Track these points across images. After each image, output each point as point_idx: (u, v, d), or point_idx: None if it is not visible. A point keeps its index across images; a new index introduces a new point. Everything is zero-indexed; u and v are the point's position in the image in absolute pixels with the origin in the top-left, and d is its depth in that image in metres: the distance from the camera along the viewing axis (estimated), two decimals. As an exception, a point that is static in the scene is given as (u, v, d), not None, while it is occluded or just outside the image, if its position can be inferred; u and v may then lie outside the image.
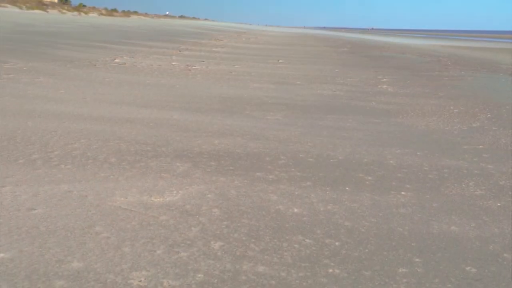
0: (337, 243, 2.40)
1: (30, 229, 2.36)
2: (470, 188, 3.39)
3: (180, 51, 15.15)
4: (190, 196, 2.92)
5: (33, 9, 42.27)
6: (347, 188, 3.25)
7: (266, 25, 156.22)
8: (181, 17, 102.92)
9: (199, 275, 2.03)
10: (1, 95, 5.84)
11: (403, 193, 3.21)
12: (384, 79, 10.15)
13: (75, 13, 47.61)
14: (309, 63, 13.56)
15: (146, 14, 76.88)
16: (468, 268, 2.23)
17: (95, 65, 9.73)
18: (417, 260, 2.28)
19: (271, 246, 2.34)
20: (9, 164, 3.32)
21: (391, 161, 3.96)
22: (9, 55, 9.90)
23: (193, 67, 10.50)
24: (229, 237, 2.41)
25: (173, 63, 11.11)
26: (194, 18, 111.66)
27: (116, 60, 10.83)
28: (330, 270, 2.14)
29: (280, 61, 13.65)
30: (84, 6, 60.35)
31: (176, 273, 2.04)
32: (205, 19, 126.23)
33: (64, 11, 47.02)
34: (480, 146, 4.67)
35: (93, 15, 49.83)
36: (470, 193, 3.30)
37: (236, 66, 11.45)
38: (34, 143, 3.87)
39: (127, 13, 65.72)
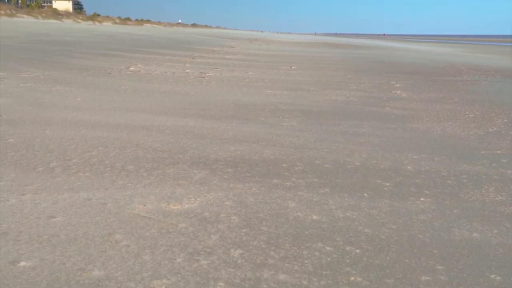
0: (357, 251, 2.38)
1: (51, 237, 2.38)
2: (490, 194, 3.35)
3: (193, 58, 15.22)
4: (208, 203, 2.92)
5: (48, 18, 42.89)
6: (365, 194, 3.22)
7: (277, 32, 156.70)
8: (193, 25, 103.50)
9: (220, 284, 2.02)
10: (19, 103, 5.91)
11: (422, 199, 3.18)
12: (398, 85, 10.10)
13: (90, 22, 48.18)
14: (321, 69, 13.53)
15: (159, 23, 77.54)
16: (492, 276, 2.19)
17: (110, 73, 9.81)
18: (440, 267, 2.25)
19: (291, 253, 2.32)
20: (28, 172, 3.35)
21: (409, 167, 3.92)
22: (26, 64, 10.02)
23: (207, 74, 10.54)
24: (249, 244, 2.40)
25: (187, 71, 11.17)
26: (206, 26, 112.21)
27: (131, 68, 10.91)
28: (352, 278, 2.12)
29: (293, 67, 13.64)
30: (98, 15, 61.16)
31: (196, 281, 2.03)
32: (217, 27, 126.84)
33: (79, 20, 47.60)
34: (498, 151, 4.61)
35: (107, 24, 50.36)
36: (490, 199, 3.25)
37: (249, 73, 11.47)
38: (53, 151, 3.90)
39: (140, 22, 66.37)
